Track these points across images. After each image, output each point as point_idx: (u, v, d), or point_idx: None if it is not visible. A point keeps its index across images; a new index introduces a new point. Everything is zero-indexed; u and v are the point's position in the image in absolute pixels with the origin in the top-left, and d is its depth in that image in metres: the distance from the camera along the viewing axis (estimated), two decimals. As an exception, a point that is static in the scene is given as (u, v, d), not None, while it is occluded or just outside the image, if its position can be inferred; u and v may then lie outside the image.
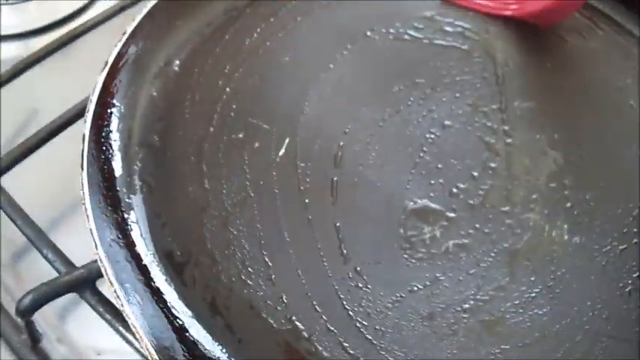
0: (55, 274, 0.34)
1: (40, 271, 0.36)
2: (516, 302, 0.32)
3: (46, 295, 0.33)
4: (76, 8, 0.47)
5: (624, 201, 0.36)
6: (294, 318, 0.30)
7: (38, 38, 0.48)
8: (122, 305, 0.29)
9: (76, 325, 0.37)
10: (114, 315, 0.33)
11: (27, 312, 0.33)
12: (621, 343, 0.31)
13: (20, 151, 0.39)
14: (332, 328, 0.30)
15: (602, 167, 0.37)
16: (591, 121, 0.39)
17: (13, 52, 0.47)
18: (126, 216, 0.32)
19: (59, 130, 0.39)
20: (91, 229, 0.31)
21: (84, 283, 0.33)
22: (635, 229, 0.35)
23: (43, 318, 0.36)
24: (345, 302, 0.31)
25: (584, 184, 0.36)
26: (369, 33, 0.40)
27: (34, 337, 0.35)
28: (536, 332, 0.31)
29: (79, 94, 0.40)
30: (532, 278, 0.33)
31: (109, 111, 0.35)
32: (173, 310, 0.30)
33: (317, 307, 0.31)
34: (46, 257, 0.35)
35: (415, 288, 0.32)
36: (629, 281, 0.34)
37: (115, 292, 0.29)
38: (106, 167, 0.33)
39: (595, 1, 0.44)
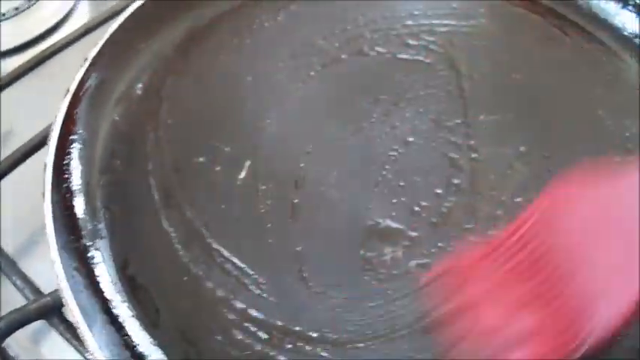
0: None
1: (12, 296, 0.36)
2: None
3: (14, 322, 0.34)
4: (48, 27, 0.48)
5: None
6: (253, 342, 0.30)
7: (10, 59, 0.48)
8: (82, 334, 0.30)
9: (49, 349, 0.37)
10: (80, 341, 0.33)
11: (-3, 339, 0.34)
12: None
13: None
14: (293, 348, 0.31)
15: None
16: (559, 133, 0.39)
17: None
18: (88, 244, 0.33)
19: (28, 155, 0.40)
20: (53, 260, 0.31)
21: (51, 311, 0.34)
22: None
23: (16, 342, 0.37)
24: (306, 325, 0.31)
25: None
26: (331, 50, 0.40)
27: (7, 362, 0.35)
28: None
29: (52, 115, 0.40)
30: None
31: (71, 138, 0.35)
32: (133, 338, 0.30)
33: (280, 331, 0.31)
34: (15, 284, 0.36)
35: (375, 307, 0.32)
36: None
37: (77, 321, 0.30)
38: (68, 195, 0.34)
39: (564, 10, 0.43)
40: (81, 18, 0.50)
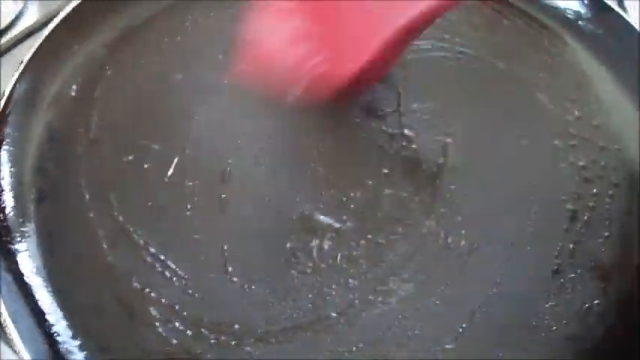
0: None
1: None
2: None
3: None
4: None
5: (520, 203, 0.35)
6: (179, 338, 0.31)
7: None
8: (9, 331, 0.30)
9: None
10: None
11: None
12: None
13: None
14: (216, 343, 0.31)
15: (504, 169, 0.36)
16: (494, 119, 0.38)
17: None
18: (18, 245, 0.33)
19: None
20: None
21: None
22: (531, 230, 0.35)
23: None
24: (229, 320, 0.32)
25: (483, 186, 0.36)
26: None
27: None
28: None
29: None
30: (420, 286, 0.33)
31: (4, 140, 0.36)
32: (55, 336, 0.31)
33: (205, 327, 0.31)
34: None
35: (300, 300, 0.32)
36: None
37: (4, 319, 0.30)
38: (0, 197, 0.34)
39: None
40: (30, 18, 0.50)
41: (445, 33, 0.41)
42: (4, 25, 0.47)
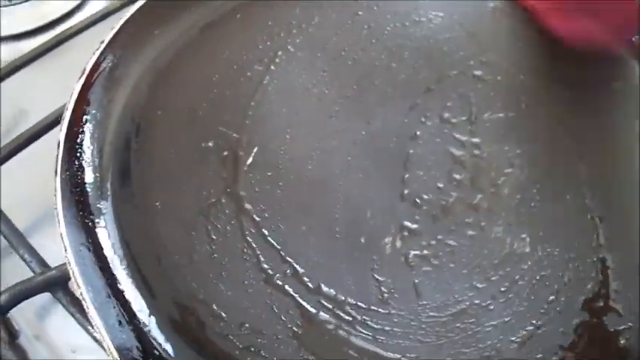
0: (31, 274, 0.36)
1: (21, 270, 0.37)
2: (475, 312, 0.33)
3: (20, 293, 0.35)
4: (65, 12, 0.49)
5: (587, 214, 0.36)
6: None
7: (28, 40, 0.49)
8: (87, 307, 0.30)
9: (53, 324, 0.38)
10: (84, 314, 0.34)
11: (2, 309, 0.35)
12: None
13: (3, 154, 0.40)
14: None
15: (566, 180, 0.37)
16: (562, 135, 0.39)
17: (4, 54, 0.48)
18: (96, 221, 0.33)
19: (40, 134, 0.41)
20: (61, 234, 0.32)
21: (56, 284, 0.35)
22: (599, 243, 0.36)
23: (22, 316, 0.38)
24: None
25: (549, 197, 0.37)
26: (339, 42, 0.41)
27: (11, 334, 0.36)
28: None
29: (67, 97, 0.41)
30: (492, 290, 0.34)
31: (84, 118, 0.36)
32: (137, 314, 0.31)
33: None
34: (22, 258, 0.36)
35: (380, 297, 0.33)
36: (590, 295, 0.34)
37: (82, 293, 0.31)
38: (79, 173, 0.34)
39: None
40: (97, 4, 0.51)
41: (512, 50, 0.42)
42: (71, 7, 0.48)
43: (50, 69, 0.49)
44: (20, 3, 0.48)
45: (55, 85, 0.47)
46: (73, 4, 0.49)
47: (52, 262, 0.37)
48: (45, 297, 0.37)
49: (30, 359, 0.36)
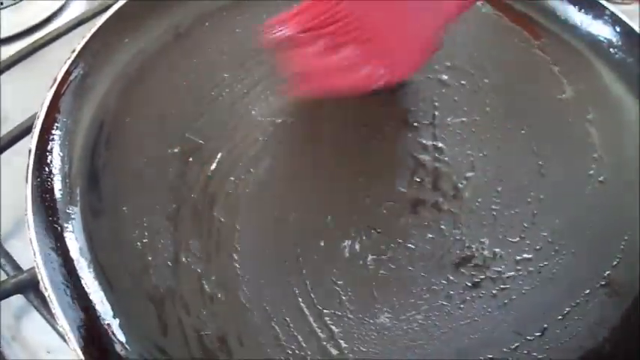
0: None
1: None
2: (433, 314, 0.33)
3: (-8, 296, 0.36)
4: (43, 18, 0.50)
5: (544, 219, 0.37)
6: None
7: (6, 47, 0.50)
8: (54, 308, 0.31)
9: (29, 325, 0.39)
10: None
11: (-24, 311, 0.36)
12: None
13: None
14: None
15: (533, 182, 0.38)
16: (523, 137, 0.40)
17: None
18: (65, 226, 0.35)
19: (15, 141, 0.42)
20: (30, 238, 0.33)
21: (28, 286, 0.36)
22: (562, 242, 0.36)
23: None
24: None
25: (511, 199, 0.37)
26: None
27: (-13, 335, 0.37)
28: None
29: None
30: (450, 292, 0.34)
31: (55, 126, 0.37)
32: (102, 316, 0.32)
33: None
34: (-3, 262, 0.37)
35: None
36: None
37: (49, 295, 0.32)
38: (49, 180, 0.36)
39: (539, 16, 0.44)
40: (76, 10, 0.52)
41: (477, 55, 0.43)
42: (50, 14, 0.49)
43: (28, 75, 0.50)
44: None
45: (33, 92, 0.48)
46: (52, 10, 0.50)
47: (26, 266, 0.38)
48: (21, 299, 0.38)
49: (7, 360, 0.38)
